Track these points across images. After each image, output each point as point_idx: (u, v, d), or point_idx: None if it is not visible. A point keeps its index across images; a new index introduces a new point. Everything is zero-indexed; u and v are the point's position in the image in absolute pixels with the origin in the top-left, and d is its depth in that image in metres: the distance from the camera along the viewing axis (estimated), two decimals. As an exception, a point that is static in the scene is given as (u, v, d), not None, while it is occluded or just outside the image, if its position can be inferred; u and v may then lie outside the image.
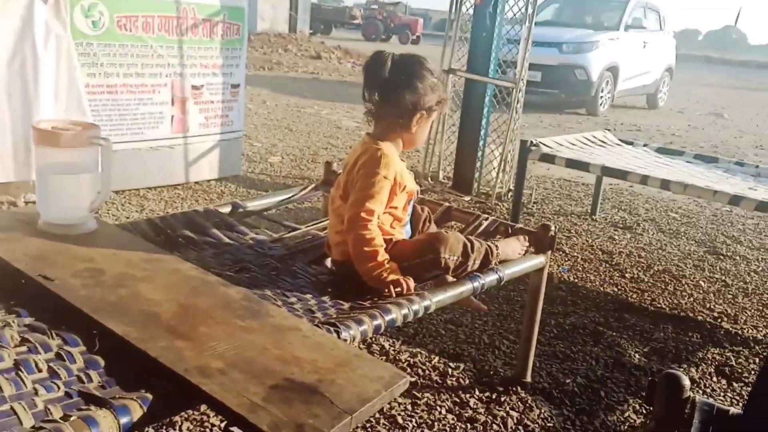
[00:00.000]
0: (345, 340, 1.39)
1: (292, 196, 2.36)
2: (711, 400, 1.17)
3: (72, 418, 0.98)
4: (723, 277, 3.27)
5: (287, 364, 1.21)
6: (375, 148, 1.70)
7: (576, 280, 3.06)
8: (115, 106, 3.41)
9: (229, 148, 4.10)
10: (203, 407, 1.78)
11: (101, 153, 1.62)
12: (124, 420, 1.02)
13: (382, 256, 1.67)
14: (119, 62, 3.34)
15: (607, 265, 3.29)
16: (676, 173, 3.28)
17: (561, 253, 3.39)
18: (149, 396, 1.08)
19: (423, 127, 1.75)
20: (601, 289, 3.00)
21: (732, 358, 2.43)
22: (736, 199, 2.78)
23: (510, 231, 2.09)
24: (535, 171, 5.37)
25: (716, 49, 40.87)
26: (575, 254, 3.40)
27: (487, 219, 2.16)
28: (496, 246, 1.88)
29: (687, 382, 1.15)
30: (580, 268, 3.21)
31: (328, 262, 1.96)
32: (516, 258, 1.94)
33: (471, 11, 4.35)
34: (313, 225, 2.18)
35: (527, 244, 1.99)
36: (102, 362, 1.17)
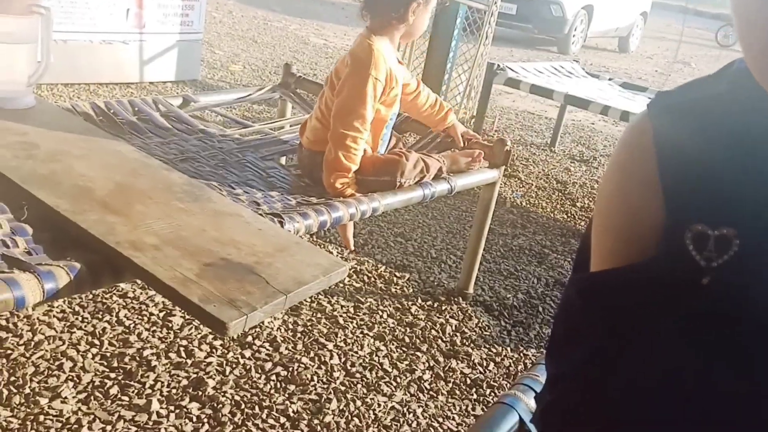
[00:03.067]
0: (288, 231, 1.38)
1: (249, 95, 2.28)
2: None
3: (-7, 278, 0.95)
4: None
5: (224, 246, 1.19)
6: (367, 44, 1.65)
7: (528, 206, 3.09)
8: (65, -8, 3.21)
9: (187, 50, 3.93)
10: (142, 296, 1.77)
11: (41, 24, 1.52)
12: (48, 285, 0.99)
13: (352, 173, 1.66)
14: (71, -56, 3.13)
15: (560, 194, 3.33)
16: (637, 107, 3.29)
17: (517, 180, 3.41)
18: (77, 265, 1.05)
19: (421, 17, 1.70)
20: (552, 215, 3.04)
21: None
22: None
23: (466, 144, 2.07)
24: (501, 102, 5.34)
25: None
26: (530, 182, 3.43)
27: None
28: (445, 161, 1.88)
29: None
30: (534, 195, 3.24)
31: (284, 160, 1.93)
32: (464, 170, 1.94)
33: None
34: (267, 123, 2.13)
35: (479, 158, 1.98)
36: (30, 230, 1.13)
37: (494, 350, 1.90)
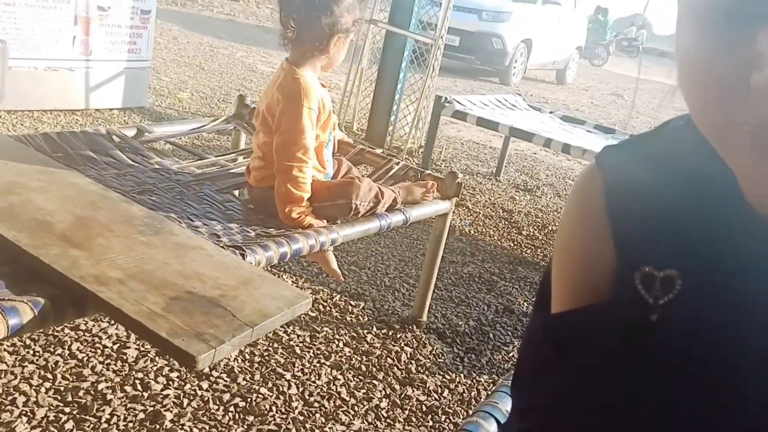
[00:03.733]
0: (250, 263, 1.40)
1: (203, 126, 2.29)
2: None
3: (-44, 315, 0.94)
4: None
5: (189, 279, 1.20)
6: (294, 77, 1.69)
7: (476, 234, 3.19)
8: (11, 19, 3.14)
9: (135, 77, 3.90)
10: (95, 328, 1.75)
11: (-5, 54, 1.51)
12: (13, 321, 0.99)
13: (305, 201, 1.69)
14: (17, -29, 3.08)
15: (506, 222, 3.44)
16: (576, 139, 3.45)
17: (464, 208, 3.50)
18: (41, 300, 1.04)
19: (340, 49, 1.76)
20: (499, 243, 3.14)
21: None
22: (628, 166, 2.97)
23: (419, 176, 2.14)
24: (447, 132, 5.48)
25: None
26: (478, 210, 3.53)
27: (398, 164, 2.20)
28: (400, 192, 1.94)
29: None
30: (481, 224, 3.34)
31: (237, 193, 1.94)
32: (418, 201, 2.00)
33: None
34: (222, 155, 2.14)
35: (432, 190, 2.06)
36: (-10, 265, 1.12)
37: (448, 377, 1.95)
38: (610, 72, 16.38)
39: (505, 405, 1.00)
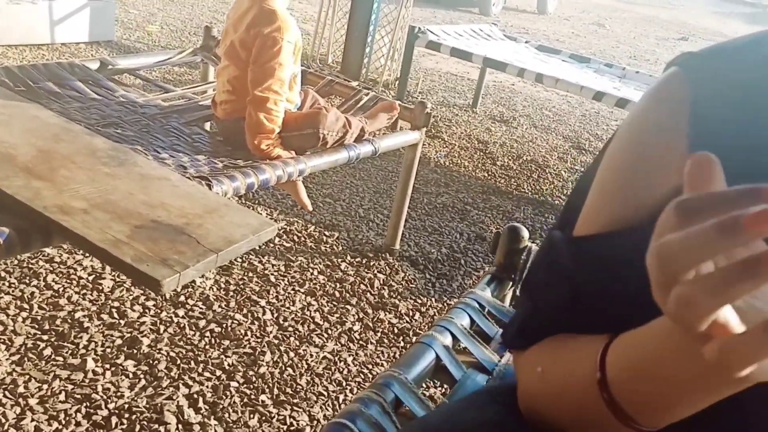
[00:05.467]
0: (216, 193, 1.42)
1: (169, 58, 2.26)
2: (544, 248, 1.32)
3: None
4: (582, 169, 3.55)
5: (154, 208, 1.22)
6: (269, 10, 1.68)
7: (451, 165, 3.21)
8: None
9: (101, 10, 3.78)
10: (69, 260, 1.77)
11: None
12: (-23, 250, 1.01)
13: (275, 133, 1.69)
14: None
15: (482, 153, 3.46)
16: (551, 69, 3.44)
17: (440, 140, 3.51)
18: (5, 230, 1.06)
19: None
20: (474, 174, 3.17)
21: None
22: (600, 95, 2.98)
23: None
24: (424, 63, 5.42)
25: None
26: (453, 142, 3.54)
27: (367, 94, 2.19)
28: (366, 122, 1.95)
29: (526, 234, 1.29)
30: (457, 155, 3.36)
31: (207, 126, 1.94)
32: (385, 125, 2.03)
33: None
34: (189, 88, 2.12)
35: (396, 113, 2.07)
36: (-47, 197, 1.13)
37: (420, 301, 2.02)
38: (592, 1, 16.09)
39: (461, 320, 1.05)
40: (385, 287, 2.04)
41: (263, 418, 1.42)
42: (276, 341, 1.67)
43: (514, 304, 1.28)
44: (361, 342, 1.76)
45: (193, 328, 1.64)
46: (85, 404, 1.33)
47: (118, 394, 1.38)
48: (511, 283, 1.30)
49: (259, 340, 1.66)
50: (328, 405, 1.51)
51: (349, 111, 2.11)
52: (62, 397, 1.34)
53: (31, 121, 1.44)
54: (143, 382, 1.42)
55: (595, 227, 0.52)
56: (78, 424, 1.29)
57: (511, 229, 1.30)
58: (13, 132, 1.36)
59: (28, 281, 1.66)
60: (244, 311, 1.76)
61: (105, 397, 1.36)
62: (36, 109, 1.51)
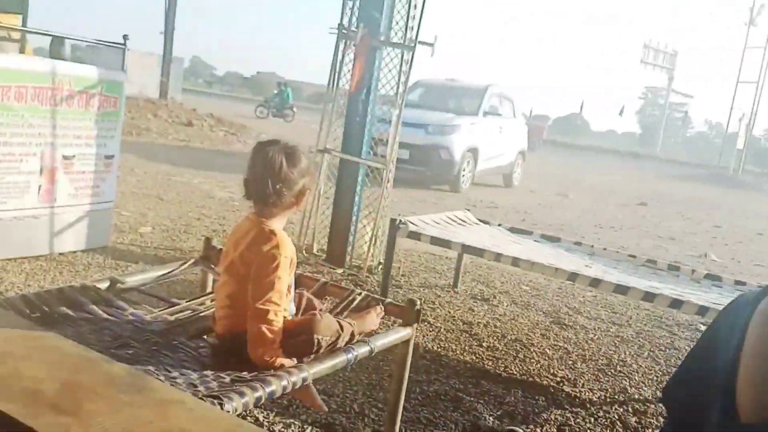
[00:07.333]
0: (228, 411, 1.49)
1: (171, 271, 2.41)
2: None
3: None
4: (565, 345, 3.66)
5: (173, 437, 1.28)
6: (268, 231, 1.86)
7: (439, 349, 3.30)
8: (-22, 173, 3.27)
9: (97, 218, 4.02)
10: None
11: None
12: (11, 497, 1.05)
13: (277, 343, 1.80)
14: (-14, 129, 3.24)
15: (467, 335, 3.57)
16: (525, 251, 3.68)
17: (426, 324, 3.63)
18: (36, 473, 1.11)
19: (305, 200, 2.02)
20: (461, 357, 3.25)
21: (571, 418, 2.74)
22: (573, 275, 3.19)
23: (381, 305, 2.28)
24: (404, 245, 5.67)
25: (563, 134, 45.16)
26: (438, 324, 3.66)
27: (360, 294, 2.34)
28: (354, 325, 2.08)
29: (525, 437, 1.37)
30: (443, 338, 3.46)
31: (208, 337, 2.04)
32: (374, 328, 2.15)
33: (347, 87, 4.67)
34: (192, 300, 2.25)
35: (382, 313, 2.21)
36: (-15, 441, 1.18)
37: (423, 503, 2.00)
38: (552, 172, 17.23)
39: None
40: (388, 489, 2.03)
41: None
42: None
43: None
44: None
45: None
46: None
47: None
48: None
49: None
50: None
51: (343, 313, 2.24)
52: None
53: (53, 353, 1.53)
54: None
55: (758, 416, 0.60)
56: None
57: (511, 433, 1.38)
58: (37, 366, 1.44)
59: None
60: None
61: None
62: (55, 340, 1.61)
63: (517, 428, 1.32)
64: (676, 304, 2.88)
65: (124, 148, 8.78)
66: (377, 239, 4.62)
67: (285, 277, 1.86)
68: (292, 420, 2.37)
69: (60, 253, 3.80)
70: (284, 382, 1.70)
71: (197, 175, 8.21)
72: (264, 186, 1.86)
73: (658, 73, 39.46)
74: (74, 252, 3.89)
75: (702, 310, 2.83)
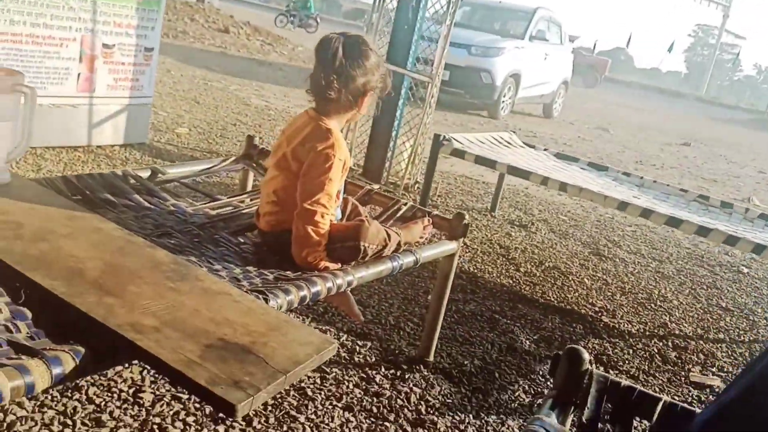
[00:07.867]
0: (274, 308, 1.43)
1: (213, 166, 2.33)
2: (605, 373, 1.32)
3: (5, 367, 0.96)
4: (604, 276, 3.57)
5: (220, 326, 1.23)
6: (325, 129, 1.75)
7: (476, 271, 3.23)
8: (18, 56, 3.19)
9: (136, 113, 3.94)
10: (110, 372, 1.76)
11: (25, 102, 1.55)
12: (56, 371, 1.01)
13: (322, 245, 1.73)
14: (27, 10, 3.13)
15: (504, 259, 3.49)
16: (572, 177, 3.54)
17: (463, 245, 3.55)
18: (81, 349, 1.07)
19: (368, 104, 1.84)
20: (498, 280, 3.19)
21: (609, 348, 2.68)
22: (623, 205, 3.05)
23: (426, 216, 2.19)
24: (439, 166, 5.54)
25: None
26: (475, 246, 3.58)
27: (406, 204, 2.25)
28: (401, 234, 2.00)
29: (587, 356, 1.29)
30: (480, 261, 3.39)
31: (250, 234, 1.98)
32: (420, 239, 2.07)
33: (394, 3, 4.43)
34: (234, 197, 2.18)
35: (430, 226, 2.12)
36: (29, 314, 1.14)
37: (458, 418, 1.97)
38: (594, 107, 16.69)
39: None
40: (422, 402, 2.01)
41: None
42: (319, 460, 1.63)
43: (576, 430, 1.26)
44: (403, 461, 1.72)
45: (236, 445, 1.60)
46: None
47: None
48: (572, 407, 1.29)
49: (302, 458, 1.61)
50: None
51: (388, 221, 2.16)
52: None
53: (96, 234, 1.48)
54: (191, 505, 1.38)
55: None
56: None
57: (571, 351, 1.30)
58: (80, 245, 1.39)
59: (70, 394, 1.64)
60: (284, 428, 1.72)
61: None
62: (98, 221, 1.55)
63: (578, 347, 1.23)
64: (732, 240, 2.74)
65: (160, 49, 8.68)
66: (416, 157, 4.50)
67: (336, 179, 1.76)
68: (328, 327, 2.34)
69: (98, 146, 3.76)
70: (329, 284, 1.63)
71: (234, 82, 8.07)
72: (318, 77, 1.74)
73: (713, 11, 37.37)
74: (112, 146, 3.84)
75: (758, 249, 2.70)
